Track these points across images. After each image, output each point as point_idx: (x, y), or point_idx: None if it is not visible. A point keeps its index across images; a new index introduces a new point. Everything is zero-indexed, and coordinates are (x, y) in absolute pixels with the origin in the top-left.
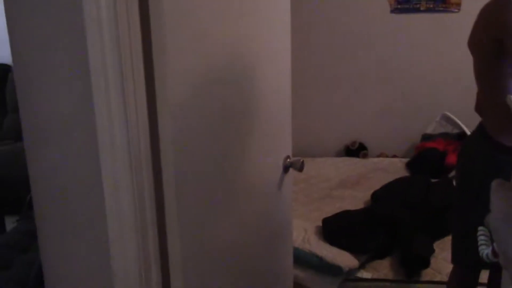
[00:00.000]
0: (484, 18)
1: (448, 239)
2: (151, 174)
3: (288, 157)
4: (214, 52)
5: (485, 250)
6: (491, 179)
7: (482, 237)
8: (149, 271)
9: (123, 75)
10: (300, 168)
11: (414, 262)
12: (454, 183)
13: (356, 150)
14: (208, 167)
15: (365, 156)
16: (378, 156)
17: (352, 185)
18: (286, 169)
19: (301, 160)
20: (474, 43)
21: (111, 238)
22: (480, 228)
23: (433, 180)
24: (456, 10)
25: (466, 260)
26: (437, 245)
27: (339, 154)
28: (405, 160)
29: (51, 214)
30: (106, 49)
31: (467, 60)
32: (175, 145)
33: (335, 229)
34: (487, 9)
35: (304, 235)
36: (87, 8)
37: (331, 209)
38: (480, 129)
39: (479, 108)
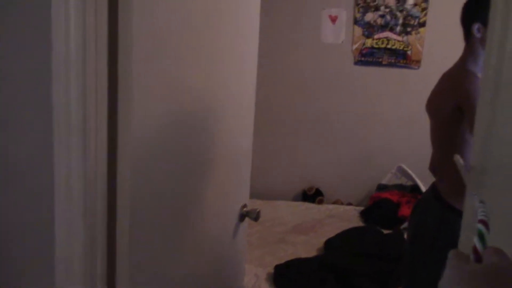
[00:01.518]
0: (445, 85)
1: None
2: (105, 223)
3: (244, 205)
4: (180, 98)
5: None
6: (441, 240)
7: None
8: None
9: (85, 119)
10: (256, 218)
11: None
12: (405, 235)
13: (312, 195)
14: (163, 215)
15: (321, 202)
16: (334, 202)
17: (307, 231)
18: (242, 217)
19: (258, 210)
20: (434, 108)
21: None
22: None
23: (385, 231)
24: (416, 67)
25: None
26: None
27: (296, 198)
28: (360, 208)
29: None
30: (72, 92)
31: (424, 117)
32: (132, 191)
33: (287, 277)
34: (448, 77)
35: (255, 281)
36: (56, 48)
37: (284, 255)
38: (433, 190)
39: (433, 168)
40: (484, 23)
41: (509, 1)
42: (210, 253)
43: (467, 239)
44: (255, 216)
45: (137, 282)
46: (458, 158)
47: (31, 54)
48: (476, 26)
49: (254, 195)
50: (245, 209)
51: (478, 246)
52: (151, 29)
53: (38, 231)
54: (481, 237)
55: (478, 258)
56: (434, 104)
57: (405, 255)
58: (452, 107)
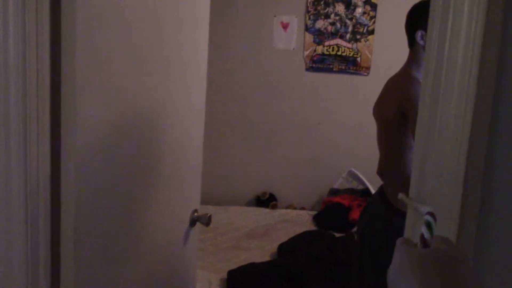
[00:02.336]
0: (389, 91)
1: None
2: (48, 230)
3: (195, 210)
4: (124, 105)
5: None
6: (389, 241)
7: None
8: None
9: (26, 124)
10: (207, 223)
11: None
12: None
13: (266, 200)
14: (111, 222)
15: (274, 207)
16: (287, 207)
17: (260, 236)
18: (192, 223)
19: (208, 215)
20: (379, 113)
21: None
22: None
23: (337, 235)
24: (366, 74)
25: None
26: None
27: (249, 204)
28: (312, 213)
29: None
30: (11, 97)
31: (373, 121)
32: (77, 199)
33: (240, 281)
34: (392, 82)
35: (209, 287)
36: None
37: (237, 260)
38: (380, 194)
39: (381, 172)
40: (427, 30)
41: (446, 7)
42: (160, 259)
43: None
44: (206, 221)
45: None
46: (401, 195)
47: None
48: (419, 33)
49: (207, 201)
50: (196, 214)
51: (426, 235)
52: (95, 33)
53: None
54: (429, 226)
55: (426, 246)
56: (379, 110)
57: (354, 258)
58: (395, 112)
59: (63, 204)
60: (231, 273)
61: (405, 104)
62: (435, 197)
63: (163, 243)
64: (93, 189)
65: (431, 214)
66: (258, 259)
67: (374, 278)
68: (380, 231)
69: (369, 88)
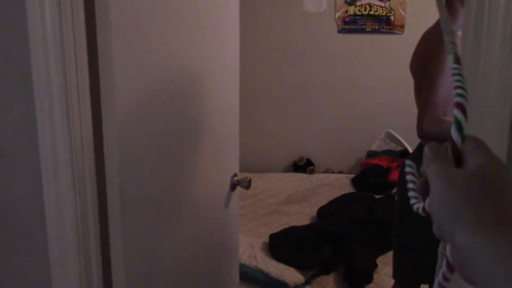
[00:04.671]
0: (420, 46)
1: (391, 254)
2: (95, 194)
3: (235, 174)
4: (162, 69)
5: (416, 205)
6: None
7: (409, 177)
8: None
9: (67, 94)
10: (247, 186)
11: (357, 277)
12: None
13: (303, 165)
14: (154, 185)
15: (312, 172)
16: (325, 172)
17: (299, 201)
18: (233, 187)
19: (248, 178)
20: (415, 67)
21: (52, 260)
22: (407, 163)
23: (377, 196)
24: (400, 32)
25: (404, 276)
26: (380, 260)
27: (287, 170)
28: (351, 176)
29: None
30: (51, 67)
31: (409, 80)
32: (121, 163)
33: (282, 244)
34: (423, 36)
35: (251, 251)
36: (32, 24)
37: (278, 225)
38: (419, 149)
39: (421, 135)
40: None
41: None
42: (203, 222)
43: None
44: (247, 184)
45: (131, 253)
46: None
47: (7, 30)
48: None
49: (245, 169)
50: (235, 178)
51: (455, 136)
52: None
53: (28, 206)
54: (459, 125)
55: (456, 150)
56: (414, 63)
57: (393, 218)
58: (422, 64)
59: (108, 168)
60: (272, 236)
61: (428, 55)
62: None
63: (205, 206)
64: (135, 153)
65: (461, 106)
66: (298, 223)
67: (413, 238)
68: None
69: (404, 47)
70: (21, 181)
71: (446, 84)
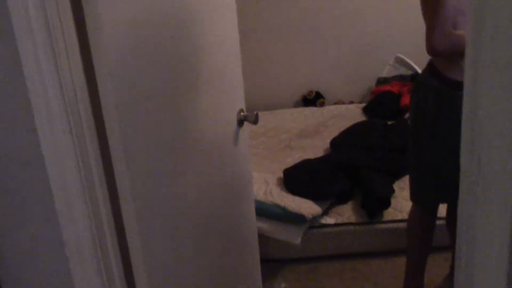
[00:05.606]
0: None
1: (407, 178)
2: (95, 140)
3: (241, 110)
4: (156, 6)
5: None
6: (443, 115)
7: None
8: (103, 240)
9: (51, 35)
10: (255, 121)
11: (375, 204)
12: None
13: (313, 99)
14: (159, 127)
15: (322, 104)
16: (336, 103)
17: (311, 134)
18: (240, 122)
19: (255, 113)
20: None
21: (59, 209)
22: None
23: (389, 122)
24: None
25: (423, 197)
26: (397, 185)
27: (296, 105)
28: (362, 105)
29: None
30: (29, 7)
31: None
32: (119, 105)
33: (296, 178)
34: None
35: (266, 187)
36: None
37: (291, 160)
38: (429, 66)
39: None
40: None
41: None
42: (213, 161)
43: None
44: (254, 119)
45: (140, 194)
46: None
47: None
48: None
49: (254, 107)
50: (242, 113)
51: None
52: None
53: (26, 157)
54: None
55: None
56: None
57: (409, 141)
58: None
59: (105, 112)
60: (286, 171)
61: None
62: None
63: (214, 145)
64: (135, 94)
65: None
66: (312, 157)
67: (430, 155)
68: (433, 106)
69: None
70: (15, 132)
71: None
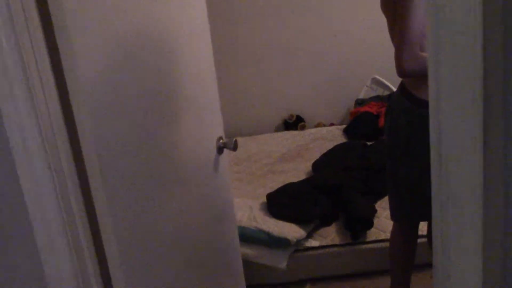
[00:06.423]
0: None
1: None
2: (74, 174)
3: (220, 137)
4: (126, 34)
5: None
6: (415, 133)
7: None
8: (85, 273)
9: (27, 73)
10: (234, 148)
11: (358, 225)
12: None
13: (294, 123)
14: (135, 158)
15: (303, 128)
16: (316, 126)
17: (293, 158)
18: (220, 150)
19: (234, 140)
20: (385, 6)
21: (39, 244)
22: None
23: (369, 143)
24: None
25: (402, 215)
26: (379, 205)
27: (278, 129)
28: (342, 127)
29: None
30: (3, 45)
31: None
32: (97, 140)
33: (279, 202)
34: None
35: (250, 213)
36: None
37: (275, 184)
38: (400, 87)
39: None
40: None
41: None
42: (194, 189)
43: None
44: (233, 146)
45: (121, 228)
46: None
47: None
48: None
49: (236, 133)
50: (221, 141)
51: None
52: None
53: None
54: None
55: None
56: (382, 2)
57: (386, 159)
58: (392, 1)
59: (83, 143)
60: (269, 195)
61: None
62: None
63: (194, 173)
64: (111, 127)
65: None
66: (295, 180)
67: (406, 173)
68: (405, 124)
69: None
70: None
71: (419, 17)
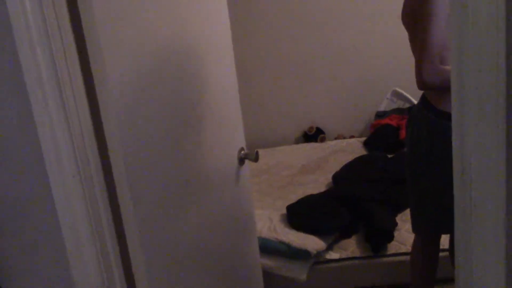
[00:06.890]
0: None
1: (409, 211)
2: (102, 182)
3: (242, 149)
4: (157, 47)
5: None
6: (437, 145)
7: None
8: (112, 280)
9: (60, 86)
10: (255, 159)
11: (378, 237)
12: None
13: (314, 135)
14: (161, 167)
15: (323, 140)
16: (336, 138)
17: (313, 170)
18: (241, 161)
19: (256, 151)
20: (406, 19)
21: (68, 250)
22: None
23: (390, 156)
24: None
25: (424, 227)
26: (399, 218)
27: (298, 141)
28: (362, 139)
29: (6, 231)
30: (39, 58)
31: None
32: (125, 149)
33: (299, 214)
34: None
35: (270, 224)
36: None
37: (294, 196)
38: (422, 99)
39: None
40: None
41: None
42: (216, 200)
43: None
44: (254, 157)
45: (146, 237)
46: None
47: None
48: None
49: (256, 145)
50: (243, 152)
51: None
52: None
53: (37, 200)
54: None
55: None
56: (403, 16)
57: (406, 172)
58: (412, 15)
59: (112, 154)
60: (289, 207)
61: (415, 6)
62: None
63: (216, 184)
64: (139, 137)
65: None
66: (315, 192)
67: (428, 185)
68: (426, 137)
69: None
70: (27, 177)
71: (439, 30)
